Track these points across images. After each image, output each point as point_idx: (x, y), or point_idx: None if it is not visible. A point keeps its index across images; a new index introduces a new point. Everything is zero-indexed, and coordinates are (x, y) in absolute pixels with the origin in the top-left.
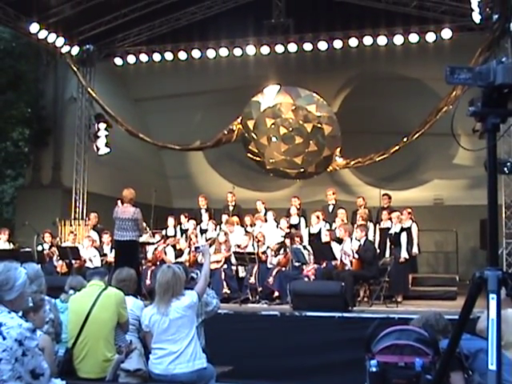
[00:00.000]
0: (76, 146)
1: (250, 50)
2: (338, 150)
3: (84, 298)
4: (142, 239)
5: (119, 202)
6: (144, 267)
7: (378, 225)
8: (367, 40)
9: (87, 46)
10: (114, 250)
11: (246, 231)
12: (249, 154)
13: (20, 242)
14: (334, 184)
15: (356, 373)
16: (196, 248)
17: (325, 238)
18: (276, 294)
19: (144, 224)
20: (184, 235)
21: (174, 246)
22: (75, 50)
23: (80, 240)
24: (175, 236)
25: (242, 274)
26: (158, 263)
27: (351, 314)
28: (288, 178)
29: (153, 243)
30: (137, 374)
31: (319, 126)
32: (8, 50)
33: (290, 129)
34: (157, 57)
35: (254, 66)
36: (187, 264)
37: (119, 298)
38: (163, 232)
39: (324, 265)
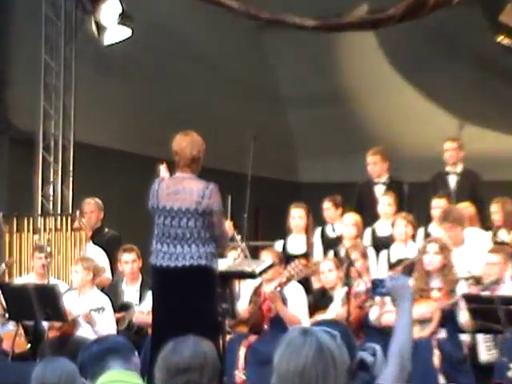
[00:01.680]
0: (44, 27)
1: None
2: None
3: None
4: (222, 265)
5: (162, 166)
6: (231, 336)
7: None
8: None
9: None
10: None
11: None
12: None
13: None
14: None
15: None
16: (374, 285)
17: None
18: None
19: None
20: (334, 251)
21: (303, 282)
22: None
23: (60, 269)
24: (307, 256)
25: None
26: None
27: None
28: None
29: (253, 275)
30: None
31: None
32: None
33: None
34: None
35: None
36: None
37: None
38: (277, 245)
39: None
